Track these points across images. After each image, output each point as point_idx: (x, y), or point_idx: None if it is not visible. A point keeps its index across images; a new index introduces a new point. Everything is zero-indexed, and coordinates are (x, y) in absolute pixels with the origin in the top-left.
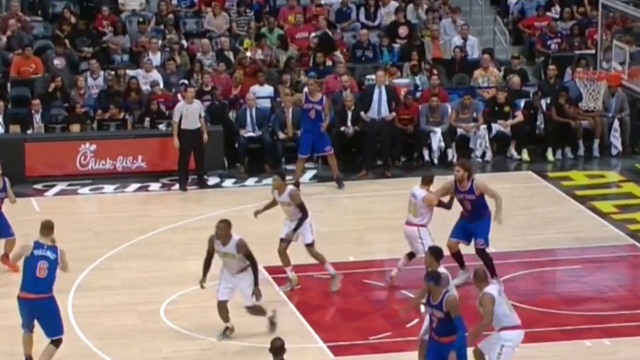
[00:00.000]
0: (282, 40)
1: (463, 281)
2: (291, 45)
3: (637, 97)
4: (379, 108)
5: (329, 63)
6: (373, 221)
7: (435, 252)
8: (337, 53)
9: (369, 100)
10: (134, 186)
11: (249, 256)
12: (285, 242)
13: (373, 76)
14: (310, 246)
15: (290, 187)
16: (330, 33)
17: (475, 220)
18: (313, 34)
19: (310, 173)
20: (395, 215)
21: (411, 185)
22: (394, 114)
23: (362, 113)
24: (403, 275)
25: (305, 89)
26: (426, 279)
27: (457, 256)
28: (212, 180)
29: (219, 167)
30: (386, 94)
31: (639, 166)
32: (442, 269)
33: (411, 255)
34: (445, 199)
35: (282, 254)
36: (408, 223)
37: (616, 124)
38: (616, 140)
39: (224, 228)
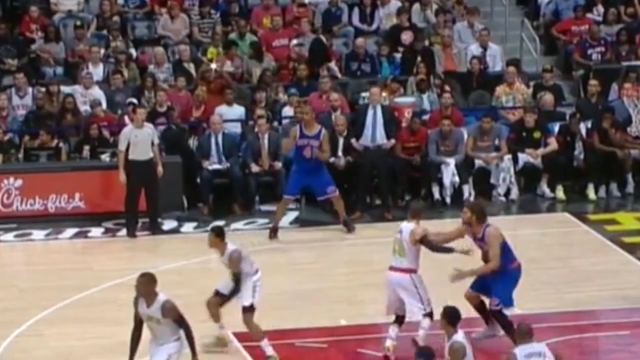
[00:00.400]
0: (256, 49)
1: (483, 336)
2: (267, 55)
3: None
4: (374, 133)
5: (323, 74)
6: (369, 275)
7: (449, 314)
8: (332, 65)
9: (361, 124)
10: (70, 232)
11: (180, 321)
12: (219, 296)
13: (365, 94)
14: (247, 310)
15: (232, 249)
16: (324, 39)
17: (493, 273)
18: (295, 41)
19: (290, 215)
20: None
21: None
22: (393, 140)
23: (352, 140)
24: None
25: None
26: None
27: (481, 310)
28: (168, 224)
29: (177, 207)
30: (382, 116)
31: None
32: (459, 337)
33: (400, 320)
34: (454, 244)
35: (213, 307)
36: (394, 269)
37: None
38: None
39: (144, 283)
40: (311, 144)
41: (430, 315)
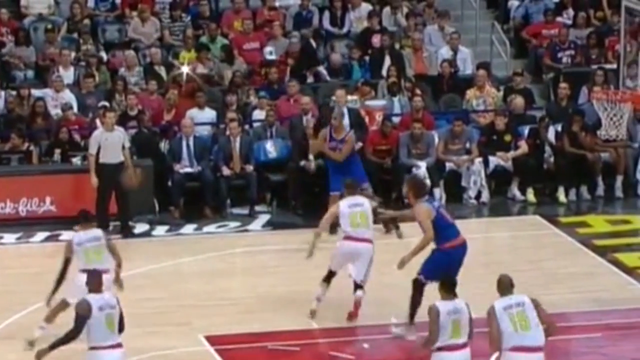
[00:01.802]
0: (227, 52)
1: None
2: (238, 59)
3: None
4: None
5: (310, 80)
6: (341, 278)
7: (445, 283)
8: (321, 68)
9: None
10: (41, 235)
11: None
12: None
13: (349, 97)
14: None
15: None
16: (313, 43)
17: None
18: (268, 49)
19: (262, 219)
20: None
21: (381, 234)
22: (360, 143)
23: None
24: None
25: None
26: None
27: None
28: (140, 227)
29: (148, 210)
30: (349, 118)
31: None
32: (439, 302)
33: (330, 277)
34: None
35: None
36: (361, 239)
37: None
38: None
39: None
40: (339, 148)
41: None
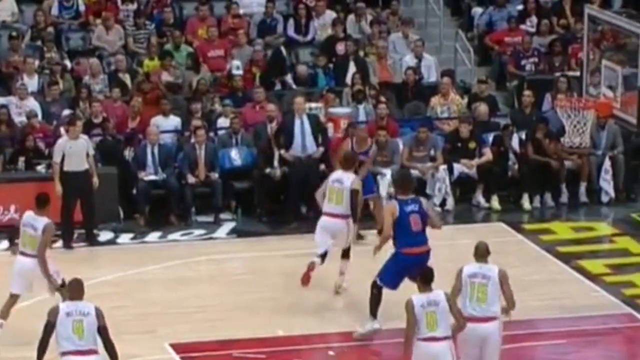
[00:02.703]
0: (193, 60)
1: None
2: (202, 66)
3: (632, 131)
4: (304, 143)
5: (277, 87)
6: (304, 287)
7: (423, 275)
8: (288, 78)
9: (289, 134)
10: (6, 243)
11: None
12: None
13: (311, 105)
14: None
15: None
16: (283, 51)
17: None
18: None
19: (227, 226)
20: (333, 276)
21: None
22: (322, 149)
23: (282, 151)
24: None
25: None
26: None
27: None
28: (105, 235)
29: (113, 218)
30: (310, 125)
31: (636, 216)
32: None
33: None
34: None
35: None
36: (332, 215)
37: (607, 163)
38: (607, 184)
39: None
40: (360, 160)
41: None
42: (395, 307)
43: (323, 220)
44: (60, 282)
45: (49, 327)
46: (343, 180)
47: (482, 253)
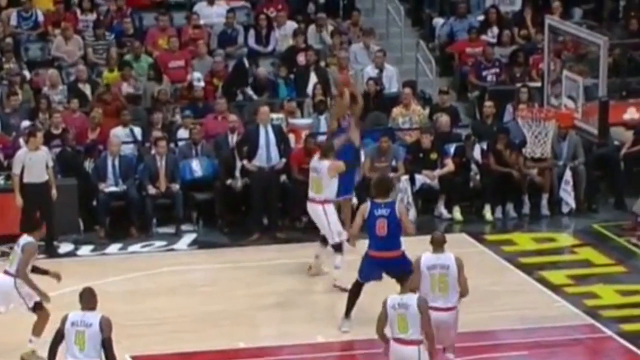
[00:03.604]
0: (154, 70)
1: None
2: (163, 77)
3: (594, 141)
4: (268, 154)
5: (240, 97)
6: (268, 297)
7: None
8: (248, 89)
9: (254, 144)
10: None
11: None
12: None
13: (274, 115)
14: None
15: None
16: (246, 62)
17: None
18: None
19: (188, 237)
20: (295, 288)
21: (309, 252)
22: (284, 160)
23: (244, 162)
24: None
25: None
26: None
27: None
28: (65, 247)
29: (73, 230)
30: (274, 135)
31: (597, 227)
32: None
33: (324, 240)
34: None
35: None
36: (311, 200)
37: (568, 174)
38: (568, 195)
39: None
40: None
41: (339, 248)
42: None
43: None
44: (32, 305)
45: (58, 336)
46: (318, 167)
47: (438, 243)
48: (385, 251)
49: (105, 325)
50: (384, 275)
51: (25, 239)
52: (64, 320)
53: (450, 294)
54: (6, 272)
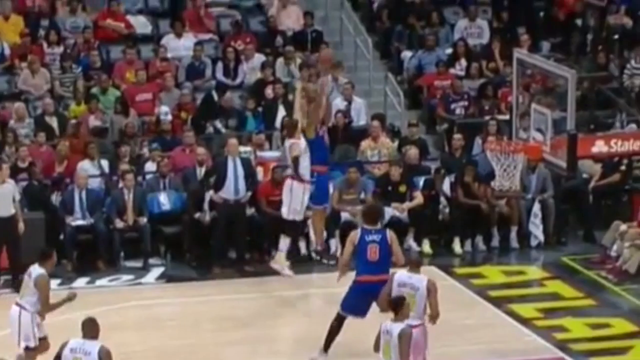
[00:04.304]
0: (122, 104)
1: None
2: (130, 110)
3: (562, 174)
4: (236, 186)
5: (209, 130)
6: (235, 331)
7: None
8: (217, 122)
9: (222, 177)
10: None
11: None
12: None
13: (243, 148)
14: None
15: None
16: (215, 95)
17: None
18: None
19: (156, 271)
20: (264, 322)
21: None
22: (249, 193)
23: (211, 193)
24: None
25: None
26: None
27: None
28: None
29: None
30: (243, 168)
31: (566, 260)
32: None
33: None
34: None
35: None
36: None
37: (537, 207)
38: (536, 228)
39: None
40: None
41: (289, 230)
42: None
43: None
44: (24, 345)
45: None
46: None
47: (414, 264)
48: (376, 275)
49: (105, 355)
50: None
51: (36, 270)
52: (63, 346)
53: (416, 313)
54: (17, 304)
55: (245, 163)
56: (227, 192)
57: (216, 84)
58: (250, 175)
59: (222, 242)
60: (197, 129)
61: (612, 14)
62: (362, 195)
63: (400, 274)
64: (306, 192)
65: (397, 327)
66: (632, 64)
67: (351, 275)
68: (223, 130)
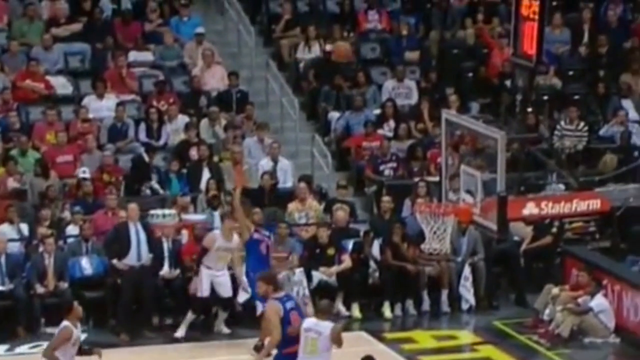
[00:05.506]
0: (42, 166)
1: None
2: (51, 172)
3: (493, 237)
4: (139, 252)
5: (146, 191)
6: None
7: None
8: (154, 182)
9: (125, 243)
10: None
11: None
12: None
13: (157, 211)
14: None
15: None
16: (145, 157)
17: None
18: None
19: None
20: None
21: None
22: (151, 255)
23: (115, 261)
24: None
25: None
26: None
27: None
28: None
29: None
30: (145, 232)
31: (498, 324)
32: None
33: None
34: None
35: None
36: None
37: (467, 270)
38: (467, 291)
39: None
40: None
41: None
42: None
43: None
44: None
45: None
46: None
47: (322, 311)
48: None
49: None
50: None
51: (63, 324)
52: None
53: (319, 356)
54: None
55: (147, 228)
56: (131, 259)
57: (145, 145)
58: (151, 239)
59: (129, 309)
60: (131, 192)
61: (541, 75)
62: (290, 256)
63: (309, 320)
64: None
65: None
66: (562, 124)
67: None
68: (161, 191)
